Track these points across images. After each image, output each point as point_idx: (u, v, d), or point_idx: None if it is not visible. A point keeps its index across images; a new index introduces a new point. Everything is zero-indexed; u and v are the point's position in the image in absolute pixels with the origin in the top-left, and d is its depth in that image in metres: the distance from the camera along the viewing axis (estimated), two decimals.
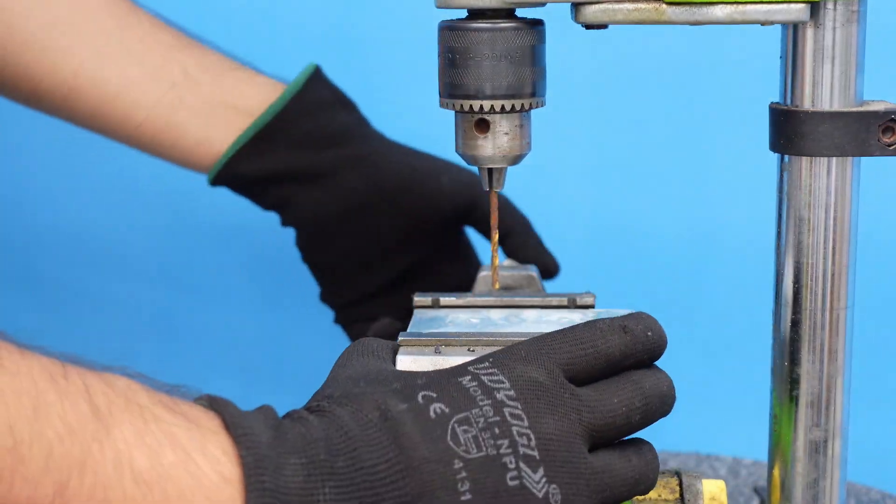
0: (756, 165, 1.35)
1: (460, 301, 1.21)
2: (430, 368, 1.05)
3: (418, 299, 1.22)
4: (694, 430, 1.76)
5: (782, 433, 1.15)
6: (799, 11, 1.04)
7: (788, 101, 1.11)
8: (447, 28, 1.10)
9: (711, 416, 1.85)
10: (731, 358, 1.89)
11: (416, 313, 1.20)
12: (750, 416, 1.48)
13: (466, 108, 1.10)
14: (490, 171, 1.13)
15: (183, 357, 2.15)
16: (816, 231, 1.11)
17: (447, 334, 1.09)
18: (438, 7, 1.10)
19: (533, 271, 1.33)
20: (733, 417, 1.82)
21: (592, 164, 1.94)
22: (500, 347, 1.07)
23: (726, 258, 1.91)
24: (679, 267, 1.92)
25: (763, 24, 1.04)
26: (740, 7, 1.03)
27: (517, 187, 1.44)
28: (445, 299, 1.22)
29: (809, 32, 1.08)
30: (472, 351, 1.07)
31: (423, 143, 1.55)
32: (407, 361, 1.06)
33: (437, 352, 1.07)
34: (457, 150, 1.14)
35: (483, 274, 1.32)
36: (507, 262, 1.46)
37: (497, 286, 1.19)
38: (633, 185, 1.94)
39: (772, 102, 1.13)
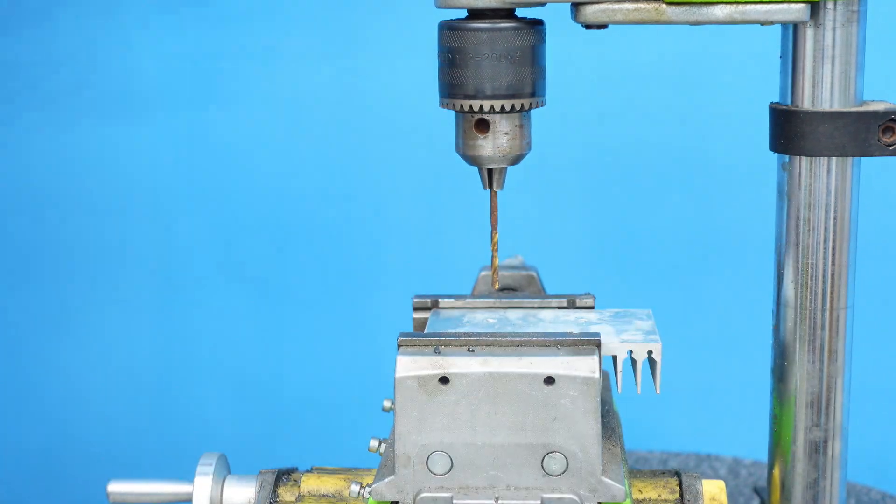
0: (756, 165, 1.34)
1: (458, 303, 1.21)
2: (430, 369, 1.05)
3: (417, 300, 1.22)
4: (694, 430, 1.76)
5: (782, 433, 1.15)
6: (799, 11, 1.04)
7: (788, 101, 1.10)
8: (447, 28, 1.10)
9: (711, 416, 1.85)
10: (731, 358, 1.89)
11: (434, 313, 1.20)
12: (750, 416, 1.48)
13: (466, 108, 1.10)
14: (490, 170, 1.13)
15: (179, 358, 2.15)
16: (816, 231, 1.11)
17: (446, 334, 1.09)
18: (438, 7, 1.10)
19: (533, 271, 1.32)
20: (733, 417, 1.82)
21: (592, 163, 1.94)
22: (499, 347, 1.07)
23: (726, 258, 1.90)
24: (679, 267, 1.92)
25: (763, 23, 1.04)
26: (740, 7, 1.03)
27: (517, 187, 1.44)
28: (444, 300, 1.21)
29: (809, 32, 1.07)
30: (472, 351, 1.07)
31: (424, 143, 1.55)
32: (406, 362, 1.06)
33: (437, 352, 1.07)
34: (457, 150, 1.14)
35: (483, 274, 1.31)
36: (508, 261, 1.46)
37: (497, 286, 1.19)
38: (632, 184, 1.93)
39: (772, 102, 1.12)
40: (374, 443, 1.19)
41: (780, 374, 1.15)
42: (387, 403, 1.23)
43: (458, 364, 1.05)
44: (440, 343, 1.08)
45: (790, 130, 1.09)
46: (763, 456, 1.22)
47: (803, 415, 1.14)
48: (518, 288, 1.32)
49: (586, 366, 1.04)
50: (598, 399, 1.04)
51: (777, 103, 1.12)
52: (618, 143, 1.92)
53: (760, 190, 1.38)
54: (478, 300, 1.21)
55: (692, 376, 1.85)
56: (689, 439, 1.74)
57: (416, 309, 1.22)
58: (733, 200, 1.88)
